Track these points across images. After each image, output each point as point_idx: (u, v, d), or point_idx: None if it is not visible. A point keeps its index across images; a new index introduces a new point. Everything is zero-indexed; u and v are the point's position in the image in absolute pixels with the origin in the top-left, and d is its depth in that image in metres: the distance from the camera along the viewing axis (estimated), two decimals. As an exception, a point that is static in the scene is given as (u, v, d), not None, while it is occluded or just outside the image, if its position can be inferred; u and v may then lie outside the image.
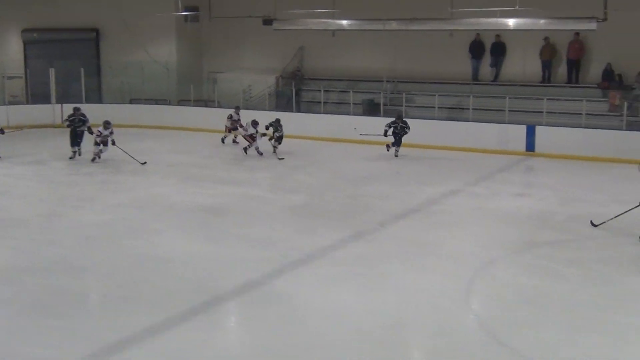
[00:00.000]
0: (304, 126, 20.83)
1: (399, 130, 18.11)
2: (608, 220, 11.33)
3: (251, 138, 18.10)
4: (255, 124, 18.18)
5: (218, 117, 21.52)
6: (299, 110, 23.45)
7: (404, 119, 18.32)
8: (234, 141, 20.23)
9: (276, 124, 18.19)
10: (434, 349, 7.03)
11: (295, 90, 23.89)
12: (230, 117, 20.07)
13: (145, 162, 16.71)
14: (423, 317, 7.77)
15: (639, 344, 7.20)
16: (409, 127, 18.13)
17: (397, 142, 18.13)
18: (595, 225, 11.46)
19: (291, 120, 20.79)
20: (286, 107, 23.45)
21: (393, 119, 18.32)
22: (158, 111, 24.68)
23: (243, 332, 7.65)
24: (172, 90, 25.96)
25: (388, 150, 18.20)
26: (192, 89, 24.67)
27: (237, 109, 20.24)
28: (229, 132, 20.27)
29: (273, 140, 18.14)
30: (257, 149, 17.98)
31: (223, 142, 20.21)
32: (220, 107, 23.86)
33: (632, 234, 11.18)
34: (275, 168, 16.06)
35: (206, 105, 25.05)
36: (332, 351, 6.87)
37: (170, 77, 26.14)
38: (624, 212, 11.20)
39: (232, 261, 9.63)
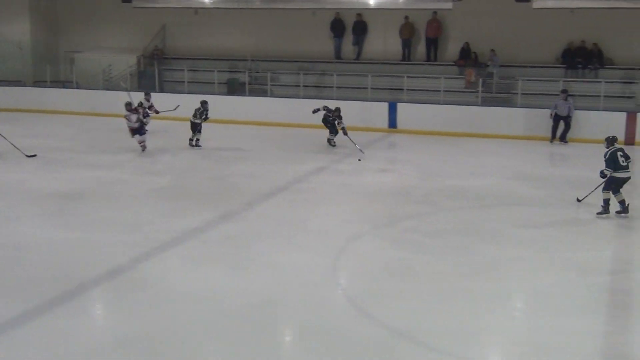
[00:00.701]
0: (168, 106, 20.37)
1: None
2: (589, 194, 11.52)
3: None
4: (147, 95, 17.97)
5: (77, 98, 20.74)
6: (162, 90, 22.98)
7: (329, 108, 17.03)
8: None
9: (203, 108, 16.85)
10: (303, 326, 7.10)
11: (158, 70, 23.37)
12: (140, 104, 18.64)
13: (34, 155, 15.35)
14: (292, 294, 7.82)
15: (499, 310, 7.55)
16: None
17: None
18: (579, 201, 11.68)
19: (154, 101, 20.34)
20: (149, 86, 22.91)
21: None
22: (12, 93, 23.46)
23: (108, 320, 7.43)
24: (27, 70, 24.75)
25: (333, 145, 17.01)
26: (49, 70, 23.63)
27: (148, 94, 18.57)
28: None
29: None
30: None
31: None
32: (78, 87, 23.00)
33: (487, 205, 11.76)
34: (139, 150, 15.66)
35: (64, 86, 24.08)
36: (200, 333, 6.80)
37: (25, 56, 24.90)
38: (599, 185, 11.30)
39: (96, 247, 9.31)
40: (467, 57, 21.58)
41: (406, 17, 22.25)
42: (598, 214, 10.94)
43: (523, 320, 7.50)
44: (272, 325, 7.15)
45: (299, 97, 21.38)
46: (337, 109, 16.71)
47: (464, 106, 19.96)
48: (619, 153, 10.89)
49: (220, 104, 20.14)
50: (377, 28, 22.93)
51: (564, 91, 18.28)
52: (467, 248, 9.48)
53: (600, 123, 17.99)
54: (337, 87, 21.31)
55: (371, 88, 20.93)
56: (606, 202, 10.94)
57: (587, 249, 9.50)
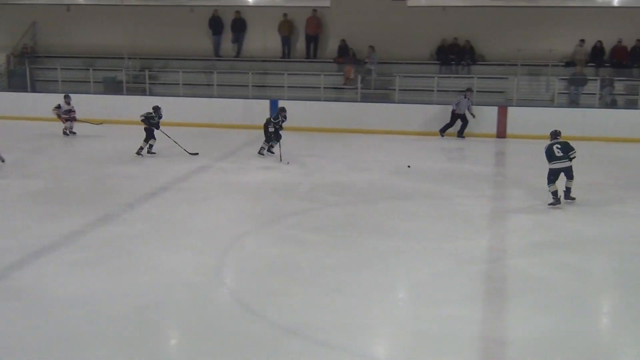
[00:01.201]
0: (41, 107, 19.57)
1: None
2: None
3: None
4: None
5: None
6: (34, 90, 22.07)
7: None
8: (69, 132, 18.27)
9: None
10: (190, 327, 7.00)
11: (29, 69, 22.42)
12: (58, 107, 17.95)
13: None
14: (176, 296, 7.69)
15: (385, 302, 7.69)
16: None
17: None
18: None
19: (26, 101, 19.55)
20: (20, 86, 21.97)
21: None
22: None
23: (-18, 331, 7.06)
24: None
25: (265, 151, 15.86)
26: None
27: (68, 97, 18.11)
28: (65, 122, 18.21)
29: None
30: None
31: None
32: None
33: (370, 199, 11.98)
34: (11, 153, 14.92)
35: None
36: (81, 340, 6.57)
37: None
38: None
39: (-34, 256, 8.83)
40: (345, 54, 21.88)
41: (285, 15, 22.33)
42: (550, 204, 11.40)
43: (407, 310, 7.67)
44: (156, 329, 7.00)
45: (179, 96, 21.07)
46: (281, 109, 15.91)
47: (344, 102, 20.27)
48: (556, 146, 11.40)
49: (97, 104, 19.58)
50: (256, 25, 22.88)
51: (469, 90, 18.82)
52: (351, 242, 9.61)
53: (473, 117, 18.73)
54: (218, 85, 21.14)
55: (252, 86, 20.87)
56: (553, 193, 11.41)
57: (465, 239, 9.83)
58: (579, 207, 11.53)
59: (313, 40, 22.45)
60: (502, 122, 18.57)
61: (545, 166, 11.44)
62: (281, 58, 22.55)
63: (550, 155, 11.43)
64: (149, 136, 15.56)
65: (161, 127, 15.63)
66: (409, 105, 19.42)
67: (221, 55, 22.98)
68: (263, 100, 20.20)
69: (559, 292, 7.97)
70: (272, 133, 15.56)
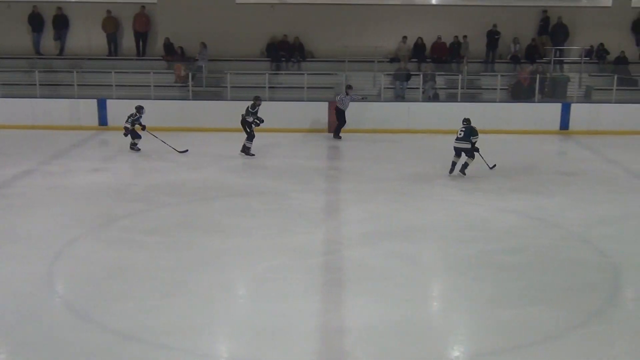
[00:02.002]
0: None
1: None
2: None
3: None
4: None
5: None
6: None
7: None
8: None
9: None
10: (21, 340, 6.63)
11: None
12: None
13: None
14: (4, 307, 7.25)
15: (224, 300, 7.65)
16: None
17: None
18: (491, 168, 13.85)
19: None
20: None
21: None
22: None
23: None
24: None
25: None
26: None
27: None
28: None
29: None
30: None
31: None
32: None
33: (206, 198, 11.87)
34: None
35: None
36: None
37: None
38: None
39: None
40: (172, 52, 21.55)
41: (108, 11, 21.62)
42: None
43: (247, 307, 7.68)
44: (-18, 345, 6.57)
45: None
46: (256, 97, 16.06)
47: (175, 101, 19.94)
48: (460, 129, 13.55)
49: None
50: (79, 22, 21.98)
51: (349, 86, 18.94)
52: (188, 242, 9.48)
53: (305, 113, 19.06)
54: (41, 85, 20.07)
55: (78, 85, 20.02)
56: (452, 163, 13.64)
57: (302, 233, 9.97)
58: (408, 197, 12.04)
59: (142, 37, 21.90)
60: (333, 118, 18.98)
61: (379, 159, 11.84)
62: (107, 56, 21.81)
63: (456, 136, 13.47)
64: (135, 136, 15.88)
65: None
66: (242, 102, 19.36)
67: (42, 53, 21.88)
68: (90, 99, 19.45)
69: (392, 279, 8.27)
70: (252, 123, 15.60)
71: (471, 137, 13.34)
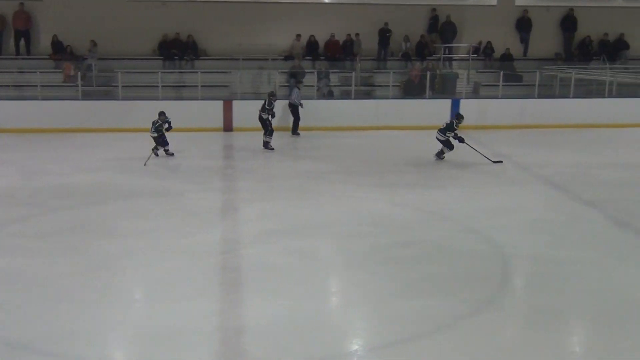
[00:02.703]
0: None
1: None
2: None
3: None
4: None
5: None
6: None
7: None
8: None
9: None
10: None
11: None
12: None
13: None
14: None
15: (119, 304, 7.45)
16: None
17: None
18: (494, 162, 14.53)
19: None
20: None
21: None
22: None
23: None
24: None
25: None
26: None
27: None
28: None
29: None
30: None
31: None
32: None
33: (99, 201, 11.56)
34: None
35: None
36: None
37: None
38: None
39: None
40: (60, 50, 20.88)
41: (-12, 9, 20.79)
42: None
43: (143, 310, 7.53)
44: None
45: None
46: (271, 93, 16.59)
47: (64, 101, 19.29)
48: (443, 123, 14.94)
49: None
50: (-42, 20, 21.01)
51: (299, 81, 18.78)
52: (80, 246, 9.21)
53: (200, 112, 18.84)
54: None
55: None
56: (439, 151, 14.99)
57: (198, 233, 9.86)
58: (305, 194, 12.11)
59: (24, 35, 21.09)
60: (228, 116, 18.88)
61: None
62: (-11, 55, 20.94)
63: None
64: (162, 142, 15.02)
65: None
66: (134, 102, 18.99)
67: None
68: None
69: (291, 276, 8.30)
70: (267, 120, 16.03)
71: (446, 132, 14.75)
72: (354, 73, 20.75)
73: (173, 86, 20.30)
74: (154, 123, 14.82)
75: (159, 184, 12.78)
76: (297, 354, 6.44)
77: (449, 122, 15.05)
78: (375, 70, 22.34)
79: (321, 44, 22.34)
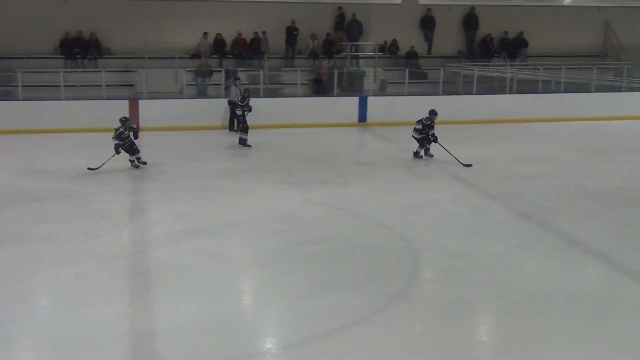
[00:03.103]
0: None
1: None
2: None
3: None
4: None
5: None
6: None
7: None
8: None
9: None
10: None
11: None
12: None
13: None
14: None
15: (22, 312, 7.17)
16: None
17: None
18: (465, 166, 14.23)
19: None
20: None
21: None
22: None
23: None
24: None
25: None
26: None
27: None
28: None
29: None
30: None
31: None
32: None
33: (2, 205, 11.15)
34: None
35: None
36: None
37: None
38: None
39: None
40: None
41: None
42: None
43: (50, 316, 7.29)
44: None
45: None
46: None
47: None
48: (422, 120, 14.78)
49: None
50: None
51: (237, 78, 18.55)
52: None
53: (105, 112, 18.35)
54: None
55: None
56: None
57: (106, 236, 9.62)
58: (215, 193, 12.00)
59: None
60: (134, 115, 18.48)
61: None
62: None
63: None
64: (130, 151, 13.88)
65: None
66: (35, 102, 18.36)
67: None
68: None
69: (202, 277, 8.20)
70: (241, 116, 16.21)
71: (423, 131, 14.73)
72: (261, 71, 20.70)
73: (76, 86, 19.72)
74: (115, 130, 13.92)
75: (64, 187, 12.39)
76: (211, 355, 6.36)
77: (425, 120, 14.76)
78: (283, 69, 22.38)
79: (228, 42, 22.19)
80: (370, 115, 20.14)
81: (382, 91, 22.10)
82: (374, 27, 23.56)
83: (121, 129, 13.65)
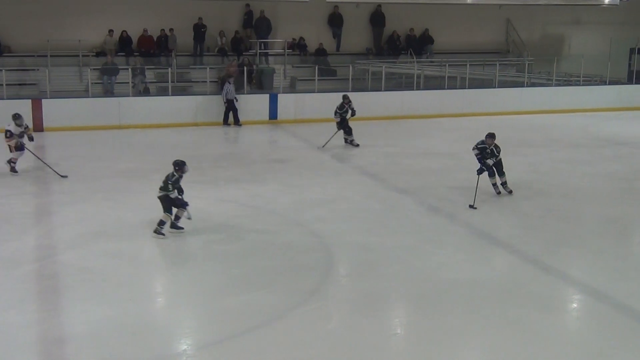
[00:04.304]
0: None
1: None
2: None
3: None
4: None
5: None
6: None
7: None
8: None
9: None
10: None
11: None
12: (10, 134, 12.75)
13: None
14: None
15: None
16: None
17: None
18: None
19: None
20: None
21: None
22: None
23: None
24: None
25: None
26: None
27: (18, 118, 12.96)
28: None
29: None
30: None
31: None
32: None
33: None
34: None
35: None
36: None
37: None
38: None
39: None
40: None
41: None
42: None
43: (-49, 327, 6.99)
44: None
45: None
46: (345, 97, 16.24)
47: None
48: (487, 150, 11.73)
49: None
50: None
51: (230, 75, 18.74)
52: None
53: (6, 111, 17.64)
54: None
55: None
56: None
57: (9, 241, 9.29)
58: (123, 194, 11.75)
59: None
60: (38, 116, 17.89)
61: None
62: None
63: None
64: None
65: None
66: None
67: None
68: None
69: (112, 280, 8.03)
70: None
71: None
72: (169, 69, 20.37)
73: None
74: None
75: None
76: (123, 359, 6.23)
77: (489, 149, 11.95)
78: (191, 66, 22.10)
79: (134, 39, 21.75)
80: (281, 113, 20.13)
81: (292, 88, 22.12)
82: (283, 24, 23.56)
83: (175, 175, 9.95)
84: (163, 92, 20.36)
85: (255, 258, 8.81)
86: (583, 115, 22.32)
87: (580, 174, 13.96)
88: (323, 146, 15.59)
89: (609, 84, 24.42)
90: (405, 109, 21.11)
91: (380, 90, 21.68)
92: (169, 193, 9.45)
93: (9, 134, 12.72)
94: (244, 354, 6.38)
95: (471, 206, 11.15)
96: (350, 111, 15.83)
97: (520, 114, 21.96)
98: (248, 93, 20.61)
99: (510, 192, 12.05)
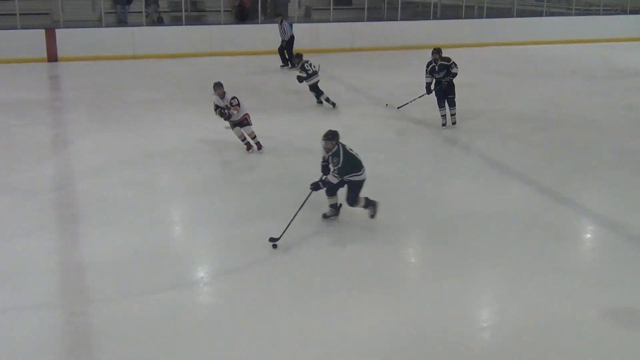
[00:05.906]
0: None
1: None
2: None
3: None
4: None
5: None
6: None
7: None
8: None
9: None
10: None
11: None
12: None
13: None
14: None
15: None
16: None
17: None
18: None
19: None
20: None
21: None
22: None
23: None
24: None
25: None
26: None
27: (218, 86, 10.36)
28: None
29: None
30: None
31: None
32: None
33: None
34: None
35: None
36: None
37: None
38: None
39: None
40: None
41: None
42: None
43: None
44: None
45: None
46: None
47: None
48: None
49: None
50: None
51: (280, 14, 18.14)
52: None
53: (20, 41, 17.63)
54: None
55: None
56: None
57: (28, 170, 9.38)
58: (139, 124, 11.77)
59: None
60: (52, 45, 17.81)
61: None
62: None
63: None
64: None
65: None
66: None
67: None
68: None
69: (130, 208, 8.12)
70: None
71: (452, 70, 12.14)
72: (183, -2, 20.10)
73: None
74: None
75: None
76: (142, 286, 6.35)
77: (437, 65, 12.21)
78: (205, -5, 21.81)
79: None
80: (296, 42, 19.90)
81: (307, 17, 21.81)
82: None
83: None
84: (177, 21, 20.15)
85: (270, 189, 8.85)
86: (603, 45, 21.93)
87: (598, 105, 13.81)
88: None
89: (630, 13, 23.93)
90: (421, 39, 20.78)
91: (396, 20, 21.35)
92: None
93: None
94: (259, 282, 6.48)
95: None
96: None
97: (538, 44, 21.59)
98: (262, 23, 20.36)
99: (454, 123, 11.70)
